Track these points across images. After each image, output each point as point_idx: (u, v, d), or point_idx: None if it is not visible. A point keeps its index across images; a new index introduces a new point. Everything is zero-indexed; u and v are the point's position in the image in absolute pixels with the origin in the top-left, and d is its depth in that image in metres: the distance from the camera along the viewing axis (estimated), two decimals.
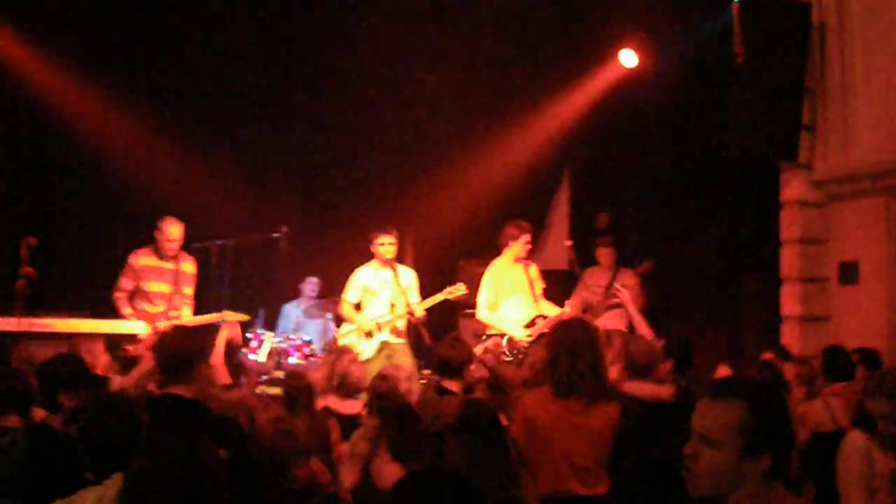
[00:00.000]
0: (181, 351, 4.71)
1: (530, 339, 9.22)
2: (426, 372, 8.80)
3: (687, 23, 11.48)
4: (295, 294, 12.13)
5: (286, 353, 10.45)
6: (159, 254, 9.36)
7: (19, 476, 5.13)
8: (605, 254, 11.28)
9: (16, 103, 11.86)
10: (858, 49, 9.98)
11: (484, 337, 9.51)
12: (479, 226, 12.89)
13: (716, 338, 11.00)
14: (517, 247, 9.65)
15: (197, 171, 12.29)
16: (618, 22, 12.13)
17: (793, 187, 10.47)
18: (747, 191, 11.35)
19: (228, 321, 9.56)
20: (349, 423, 6.33)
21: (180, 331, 4.88)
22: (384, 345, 9.36)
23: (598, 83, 12.57)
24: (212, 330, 9.64)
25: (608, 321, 10.20)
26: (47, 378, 5.13)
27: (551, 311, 9.50)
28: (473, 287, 11.62)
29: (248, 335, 10.43)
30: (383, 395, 5.81)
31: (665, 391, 6.42)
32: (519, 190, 12.91)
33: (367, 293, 9.67)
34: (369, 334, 9.43)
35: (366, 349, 9.24)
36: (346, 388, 6.59)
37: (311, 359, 10.27)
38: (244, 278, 11.38)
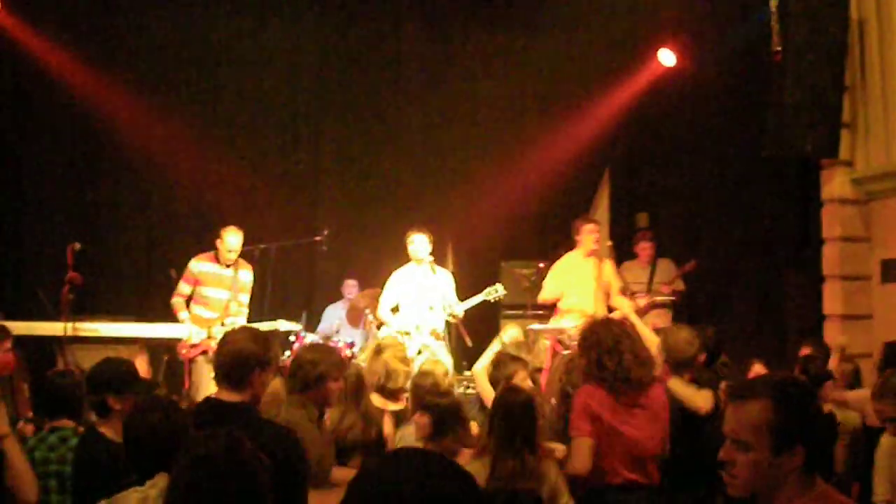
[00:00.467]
0: (240, 355, 4.53)
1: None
2: (468, 374, 8.83)
3: (726, 21, 11.45)
4: (337, 296, 12.21)
5: None
6: (219, 260, 9.53)
7: (69, 475, 5.28)
8: (645, 248, 11.24)
9: (63, 110, 12.03)
10: None
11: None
12: (521, 227, 12.92)
13: (757, 337, 10.95)
14: (584, 240, 9.72)
15: (240, 176, 12.41)
16: (657, 21, 12.11)
17: (834, 185, 10.40)
18: (788, 189, 11.29)
19: (282, 330, 9.72)
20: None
21: (244, 334, 4.70)
22: (424, 347, 9.40)
23: (637, 82, 12.55)
24: (277, 337, 9.81)
25: (654, 320, 10.22)
26: (95, 381, 5.21)
27: (623, 304, 9.36)
28: (515, 288, 11.68)
29: (290, 338, 10.54)
30: (428, 390, 5.80)
31: (703, 402, 6.24)
32: (560, 190, 12.91)
33: (403, 296, 9.72)
34: (408, 335, 9.45)
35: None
36: (391, 384, 6.60)
37: (353, 361, 10.33)
38: (287, 282, 11.47)
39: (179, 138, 12.19)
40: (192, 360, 9.23)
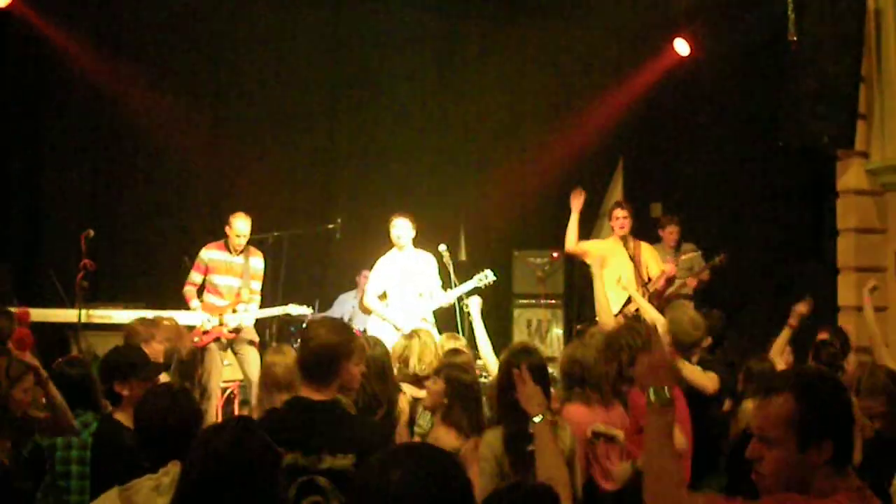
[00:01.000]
0: (324, 349, 4.29)
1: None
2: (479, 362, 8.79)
3: (741, 10, 11.39)
4: (351, 285, 12.21)
5: None
6: (229, 248, 9.54)
7: (87, 462, 5.33)
8: (672, 232, 11.00)
9: (78, 97, 12.10)
10: None
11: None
12: (534, 216, 12.91)
13: (770, 328, 10.89)
14: (613, 224, 9.79)
15: (253, 164, 12.43)
16: (672, 10, 12.06)
17: (849, 176, 10.35)
18: (803, 179, 11.25)
19: (293, 314, 9.73)
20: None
21: (325, 326, 4.43)
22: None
23: (652, 72, 12.52)
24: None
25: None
26: (102, 369, 5.24)
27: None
28: (528, 277, 11.69)
29: (304, 326, 10.55)
30: (458, 366, 5.70)
31: (709, 383, 6.34)
32: (573, 179, 12.88)
33: (388, 281, 9.62)
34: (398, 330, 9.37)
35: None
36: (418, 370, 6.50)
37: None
38: (300, 269, 11.48)
39: (195, 126, 12.27)
40: (204, 348, 9.26)
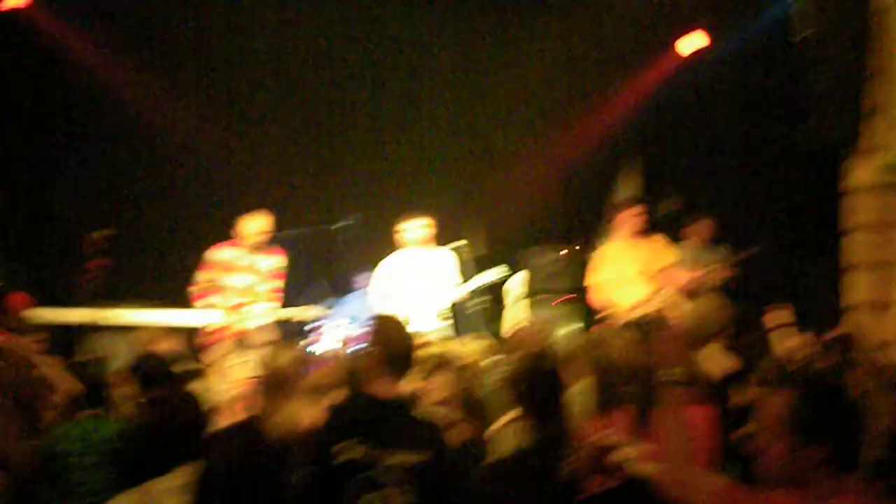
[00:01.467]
0: (404, 344, 4.44)
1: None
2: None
3: (752, 6, 11.42)
4: (364, 283, 12.21)
5: (354, 341, 10.53)
6: (241, 247, 9.52)
7: (93, 462, 5.40)
8: (707, 226, 10.74)
9: (88, 96, 12.12)
10: None
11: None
12: (552, 211, 12.93)
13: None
14: (629, 222, 9.65)
15: (268, 163, 12.48)
16: (686, 6, 12.08)
17: (857, 173, 10.36)
18: (812, 176, 11.25)
19: (309, 318, 9.73)
20: None
21: (393, 321, 4.56)
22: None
23: (665, 67, 12.53)
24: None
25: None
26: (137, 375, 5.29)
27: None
28: (546, 271, 11.70)
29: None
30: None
31: (719, 368, 6.36)
32: (590, 175, 12.91)
33: (397, 283, 9.76)
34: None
35: None
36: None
37: None
38: (313, 268, 11.50)
39: (208, 125, 12.25)
40: (209, 347, 9.24)
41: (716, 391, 6.09)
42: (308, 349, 10.16)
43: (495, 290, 10.14)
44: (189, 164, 12.35)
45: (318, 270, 11.93)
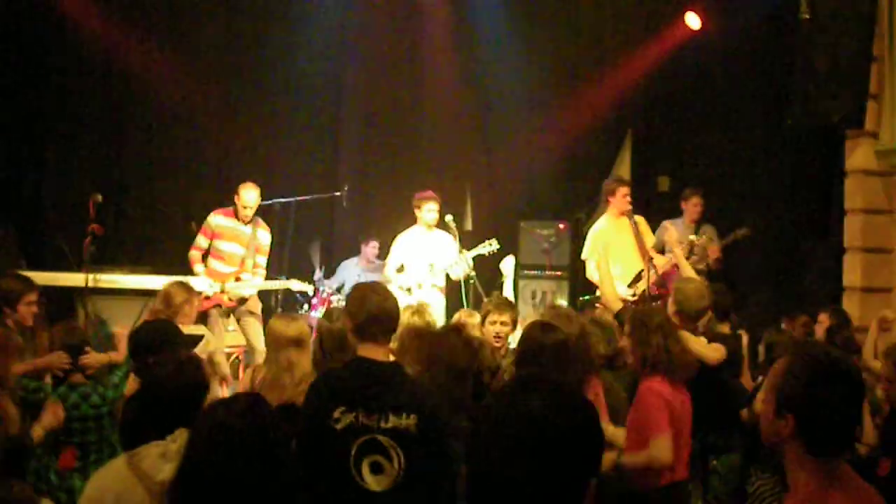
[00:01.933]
0: (391, 310, 4.45)
1: (634, 297, 9.23)
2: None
3: None
4: (354, 252, 12.23)
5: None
6: (237, 216, 9.57)
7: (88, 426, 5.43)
8: (697, 204, 10.54)
9: (87, 61, 12.07)
10: None
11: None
12: (541, 188, 12.93)
13: (776, 307, 10.93)
14: (617, 201, 9.70)
15: (262, 131, 12.44)
16: None
17: (857, 156, 10.35)
18: (811, 158, 11.23)
19: (294, 290, 9.78)
20: None
21: (381, 288, 4.58)
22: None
23: (662, 46, 12.44)
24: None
25: None
26: (134, 346, 5.27)
27: (661, 261, 9.43)
28: (535, 248, 11.71)
29: (309, 294, 10.62)
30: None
31: (713, 353, 6.38)
32: (581, 151, 12.89)
33: (408, 257, 10.01)
34: (409, 291, 9.72)
35: None
36: None
37: None
38: (306, 236, 11.50)
39: (204, 93, 12.23)
40: (205, 313, 9.26)
41: (707, 374, 6.14)
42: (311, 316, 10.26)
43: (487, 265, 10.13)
44: (184, 130, 12.35)
45: (310, 239, 11.92)
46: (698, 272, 9.75)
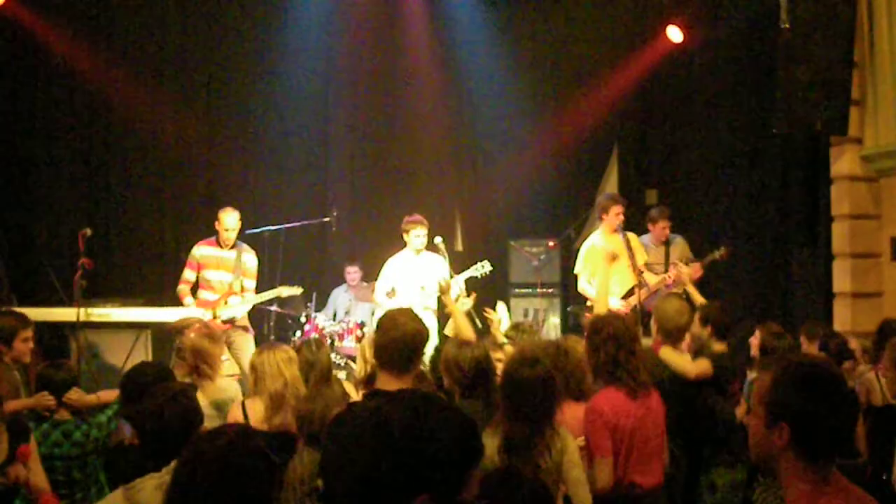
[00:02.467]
0: (411, 338, 4.27)
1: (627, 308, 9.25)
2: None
3: None
4: (341, 279, 12.22)
5: (340, 337, 10.57)
6: (220, 243, 9.60)
7: (74, 465, 5.41)
8: (664, 227, 10.49)
9: (73, 95, 12.02)
10: None
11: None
12: (529, 205, 12.96)
13: (765, 314, 10.95)
14: (610, 219, 9.71)
15: (249, 158, 12.46)
16: None
17: (843, 162, 10.39)
18: (797, 165, 11.27)
19: (284, 296, 9.81)
20: None
21: (406, 315, 4.40)
22: None
23: (646, 59, 12.52)
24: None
25: None
26: (128, 389, 5.24)
27: (653, 279, 9.51)
28: (525, 267, 11.72)
29: (301, 320, 10.62)
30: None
31: (692, 368, 6.38)
32: (568, 169, 12.94)
33: (399, 281, 10.01)
34: None
35: None
36: None
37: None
38: (296, 263, 11.49)
39: (189, 121, 12.21)
40: None
41: (684, 390, 6.16)
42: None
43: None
44: (172, 160, 12.29)
45: (302, 266, 11.93)
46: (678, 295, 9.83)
